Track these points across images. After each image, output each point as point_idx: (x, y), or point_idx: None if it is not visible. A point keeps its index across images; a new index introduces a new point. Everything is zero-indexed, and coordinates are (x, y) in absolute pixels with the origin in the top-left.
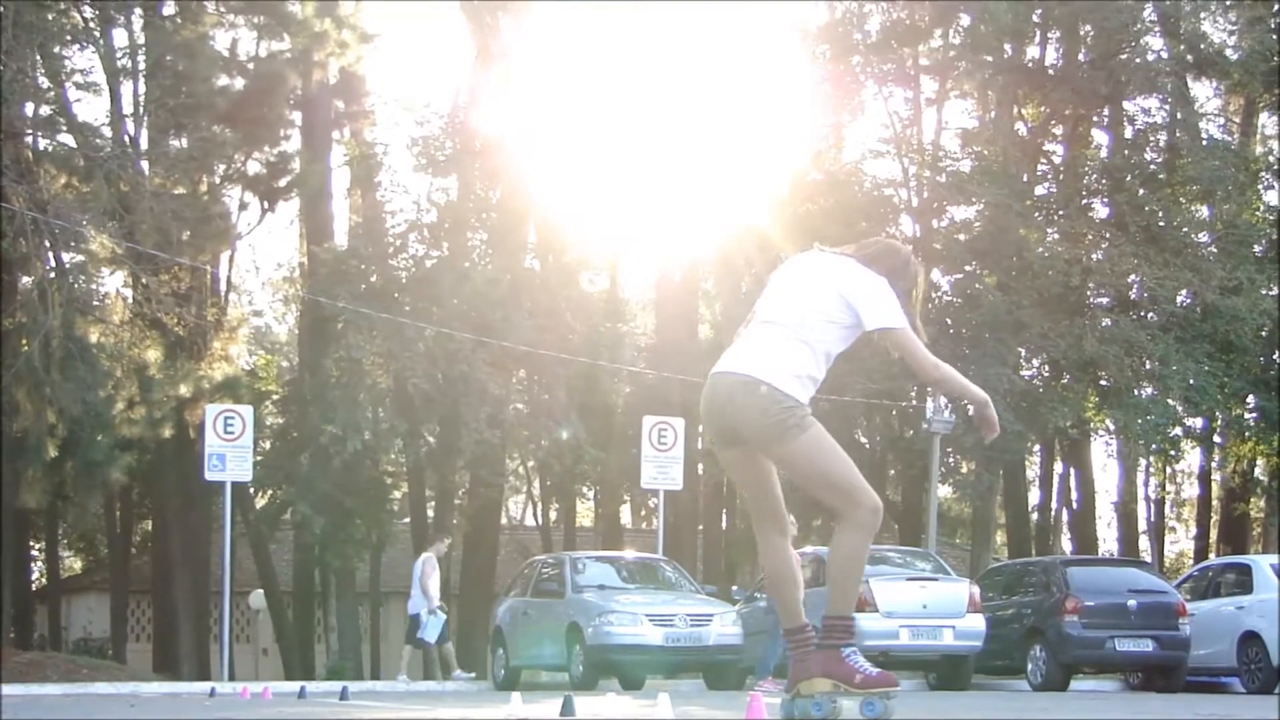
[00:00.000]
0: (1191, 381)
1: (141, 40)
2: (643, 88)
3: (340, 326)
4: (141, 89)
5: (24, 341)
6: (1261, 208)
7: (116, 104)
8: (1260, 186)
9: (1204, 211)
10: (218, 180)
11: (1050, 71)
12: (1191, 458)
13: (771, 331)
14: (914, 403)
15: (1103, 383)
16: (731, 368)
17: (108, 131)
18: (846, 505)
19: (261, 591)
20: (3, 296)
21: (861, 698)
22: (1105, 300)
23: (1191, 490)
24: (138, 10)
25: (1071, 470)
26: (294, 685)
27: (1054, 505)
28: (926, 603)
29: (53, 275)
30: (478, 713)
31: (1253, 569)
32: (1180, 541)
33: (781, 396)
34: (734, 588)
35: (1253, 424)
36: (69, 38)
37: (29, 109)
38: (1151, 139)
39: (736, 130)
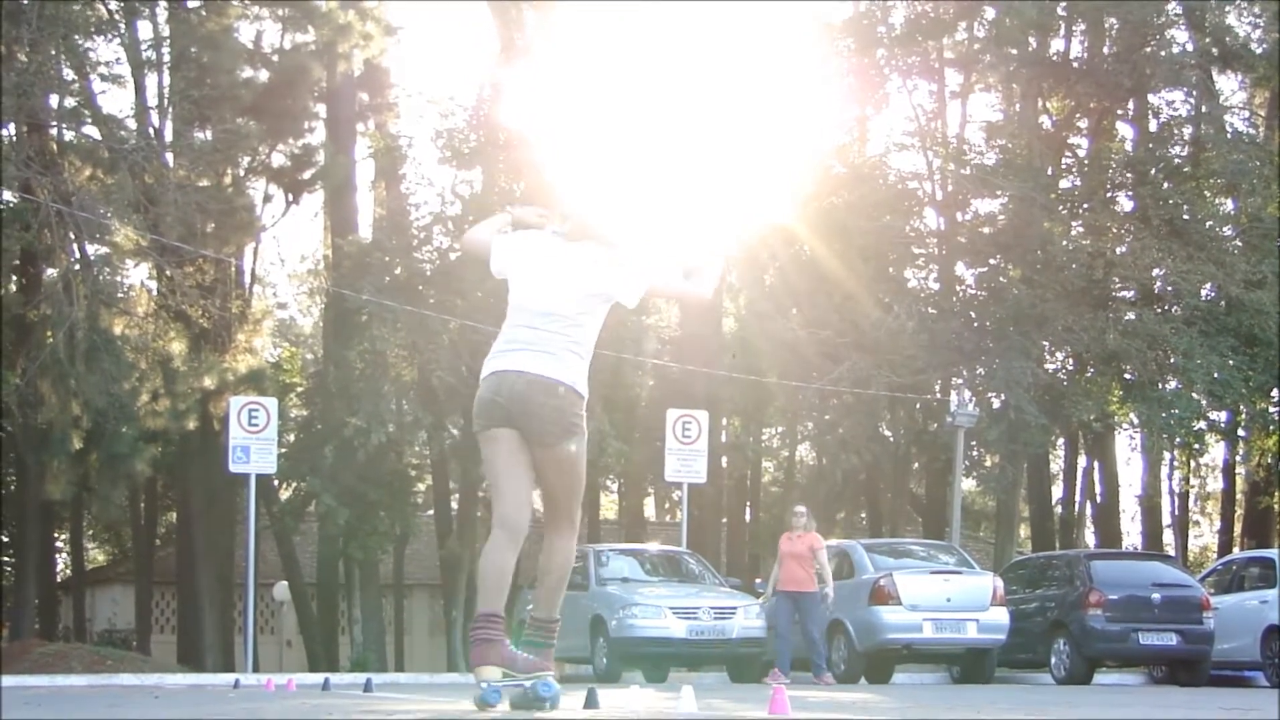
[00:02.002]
0: (1215, 375)
1: (166, 32)
2: (666, 82)
3: (364, 319)
4: (166, 81)
5: (49, 333)
6: None
7: (141, 96)
8: None
9: (1228, 205)
10: (242, 172)
11: (1075, 65)
12: (1215, 451)
13: (553, 340)
14: (938, 396)
15: (1126, 376)
16: (525, 367)
17: (132, 123)
18: (572, 517)
19: (285, 583)
20: (28, 288)
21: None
22: (1129, 294)
23: (1215, 484)
24: (162, 2)
25: (1095, 464)
26: (318, 677)
27: (1078, 499)
28: (950, 596)
29: (77, 267)
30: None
31: (1276, 563)
32: (1204, 535)
33: (577, 400)
34: (757, 580)
35: (1277, 417)
36: (93, 29)
37: (54, 101)
38: (1176, 132)
39: (760, 124)
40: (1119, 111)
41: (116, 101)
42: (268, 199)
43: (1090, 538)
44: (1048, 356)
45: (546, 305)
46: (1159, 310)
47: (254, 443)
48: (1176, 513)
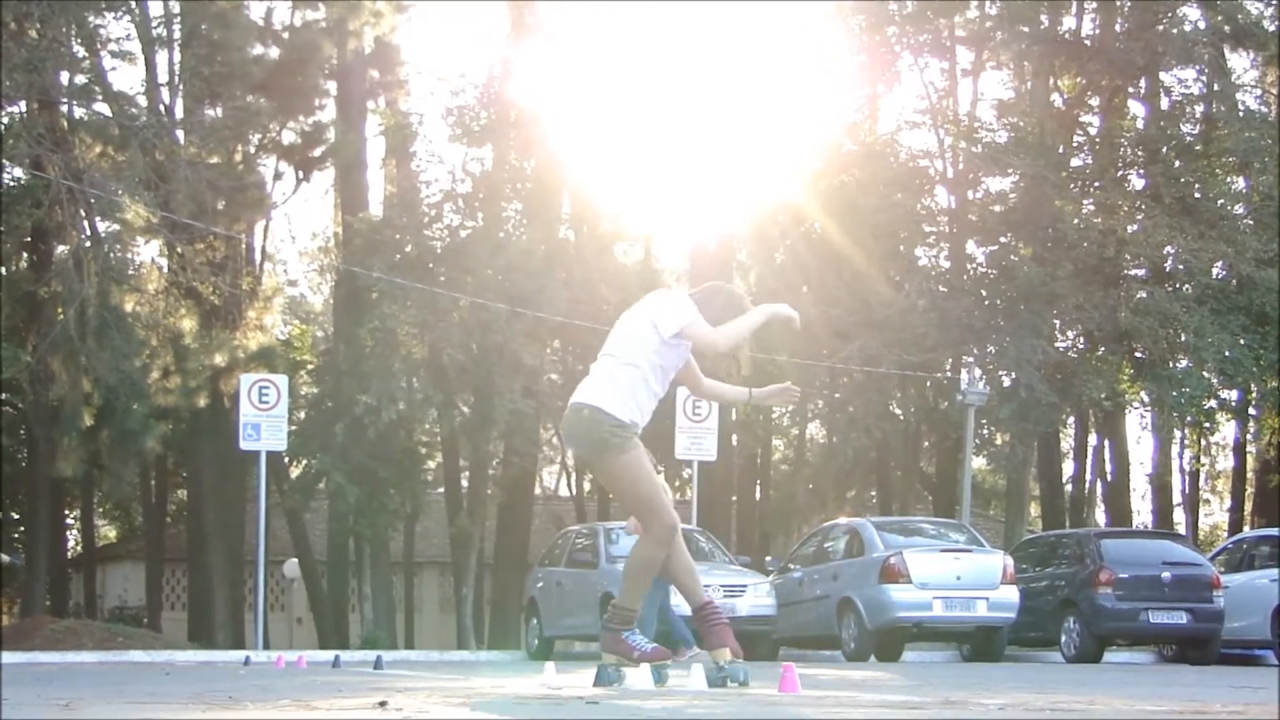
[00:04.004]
0: (1226, 354)
1: (177, 9)
2: (677, 59)
3: (375, 296)
4: (177, 58)
5: (59, 310)
6: None
7: (152, 73)
8: None
9: (1240, 183)
10: (253, 150)
11: (1087, 42)
12: (1226, 430)
13: (604, 362)
14: (949, 375)
15: (1137, 354)
16: (573, 397)
17: (143, 100)
18: (648, 520)
19: (296, 561)
20: (39, 265)
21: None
22: (1140, 272)
23: (1226, 462)
24: None
25: (1106, 442)
26: (328, 654)
27: (1088, 477)
28: (960, 574)
29: (88, 244)
30: (511, 683)
31: None
32: (1214, 514)
33: (603, 417)
34: (768, 558)
35: None
36: (104, 6)
37: (65, 77)
38: (1188, 110)
39: (771, 102)
40: (1130, 89)
41: (127, 78)
42: (278, 176)
43: (1101, 516)
44: (1058, 335)
45: (609, 341)
46: (1170, 289)
47: (264, 420)
48: (1187, 491)
